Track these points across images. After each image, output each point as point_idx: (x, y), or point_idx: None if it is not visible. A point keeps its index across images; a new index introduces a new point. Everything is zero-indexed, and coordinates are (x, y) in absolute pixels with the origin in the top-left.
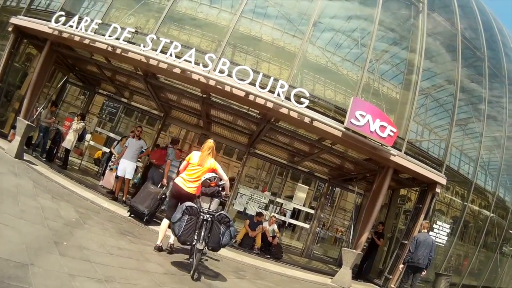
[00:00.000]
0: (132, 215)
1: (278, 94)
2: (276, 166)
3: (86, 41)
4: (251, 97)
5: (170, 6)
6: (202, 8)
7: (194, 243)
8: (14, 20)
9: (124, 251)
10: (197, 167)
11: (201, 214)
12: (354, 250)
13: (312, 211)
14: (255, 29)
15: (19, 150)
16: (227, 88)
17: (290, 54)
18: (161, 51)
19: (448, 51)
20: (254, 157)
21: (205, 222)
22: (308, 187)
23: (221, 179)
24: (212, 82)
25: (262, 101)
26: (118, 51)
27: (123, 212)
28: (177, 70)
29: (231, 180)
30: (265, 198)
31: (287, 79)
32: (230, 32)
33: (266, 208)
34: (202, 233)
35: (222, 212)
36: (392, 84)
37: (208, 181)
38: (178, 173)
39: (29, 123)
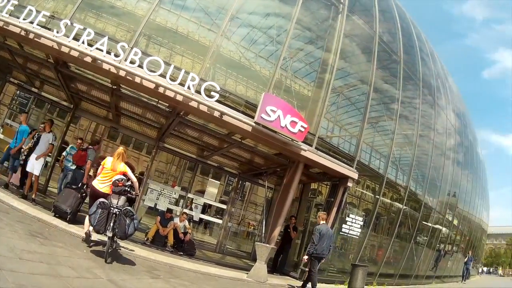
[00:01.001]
0: (56, 214)
1: (189, 87)
2: (186, 160)
3: (0, 24)
4: (161, 89)
5: None
6: None
7: (106, 232)
8: None
9: (35, 255)
10: (110, 171)
11: (111, 208)
12: (267, 245)
13: (223, 206)
14: (172, 20)
15: None
16: (137, 80)
17: (205, 48)
18: (74, 38)
19: (364, 52)
20: (164, 152)
21: (113, 215)
22: (218, 182)
23: (128, 180)
24: (122, 73)
25: (171, 94)
26: (31, 36)
27: (34, 211)
28: (88, 59)
29: (140, 174)
30: (175, 193)
31: (198, 72)
32: (145, 22)
33: (176, 203)
34: (111, 224)
35: (128, 207)
36: (305, 82)
37: (117, 181)
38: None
39: None
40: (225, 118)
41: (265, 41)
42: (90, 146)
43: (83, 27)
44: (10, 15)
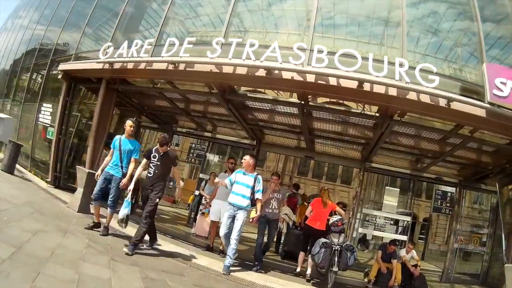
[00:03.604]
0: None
1: (400, 77)
2: (397, 178)
3: (142, 66)
4: (366, 86)
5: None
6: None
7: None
8: (62, 66)
9: None
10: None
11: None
12: None
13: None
14: None
15: (82, 203)
16: (332, 81)
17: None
18: (234, 57)
19: None
20: (372, 173)
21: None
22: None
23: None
24: (310, 78)
25: (382, 89)
26: (181, 66)
27: (220, 266)
28: (261, 73)
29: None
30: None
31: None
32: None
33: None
34: (336, 259)
35: (348, 243)
36: None
37: (336, 222)
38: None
39: (90, 171)
40: (453, 105)
41: None
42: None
43: (241, 39)
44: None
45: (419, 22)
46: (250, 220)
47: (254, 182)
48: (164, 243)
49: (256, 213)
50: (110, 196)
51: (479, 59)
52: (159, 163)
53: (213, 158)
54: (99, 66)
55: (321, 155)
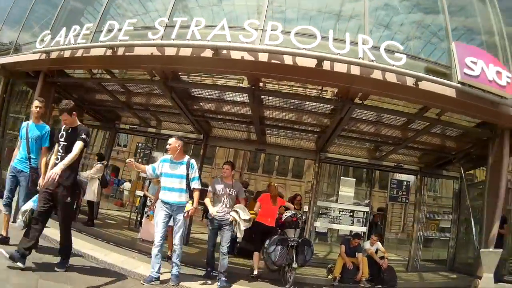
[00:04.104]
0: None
1: (362, 55)
2: (354, 168)
3: (79, 53)
4: (326, 65)
5: None
6: None
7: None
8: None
9: None
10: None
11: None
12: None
13: None
14: None
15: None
16: (288, 60)
17: None
18: (178, 38)
19: None
20: (327, 164)
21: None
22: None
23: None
24: (263, 57)
25: (343, 68)
26: (120, 51)
27: (168, 275)
28: (207, 53)
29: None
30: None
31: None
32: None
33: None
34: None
35: (305, 238)
36: None
37: (290, 217)
38: None
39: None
40: (422, 85)
41: None
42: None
43: (186, 17)
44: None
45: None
46: (185, 214)
47: (188, 169)
48: (106, 252)
49: (192, 206)
50: (19, 197)
51: (446, 39)
52: (66, 143)
53: (159, 155)
54: (36, 56)
55: (273, 147)
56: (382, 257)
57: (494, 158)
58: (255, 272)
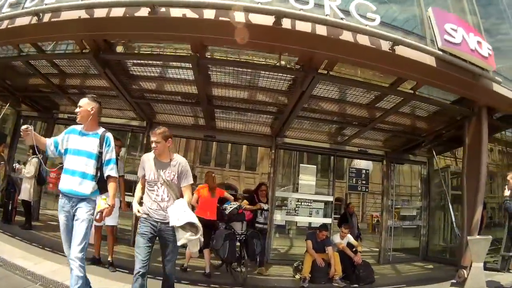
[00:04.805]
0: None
1: (328, 13)
2: (312, 154)
3: (4, 25)
4: (286, 23)
5: None
6: None
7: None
8: None
9: None
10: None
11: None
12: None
13: None
14: None
15: None
16: (240, 17)
17: None
18: None
19: None
20: (285, 150)
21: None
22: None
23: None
24: (209, 14)
25: (307, 27)
26: (46, 18)
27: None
28: (143, 12)
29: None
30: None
31: None
32: None
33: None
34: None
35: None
36: None
37: (235, 209)
38: None
39: None
40: (398, 50)
41: None
42: None
43: None
44: None
45: None
46: (96, 216)
47: (102, 146)
48: (38, 260)
49: (106, 203)
50: None
51: (417, 4)
52: None
53: None
54: None
55: (224, 132)
56: (355, 251)
57: (472, 138)
58: (208, 271)
